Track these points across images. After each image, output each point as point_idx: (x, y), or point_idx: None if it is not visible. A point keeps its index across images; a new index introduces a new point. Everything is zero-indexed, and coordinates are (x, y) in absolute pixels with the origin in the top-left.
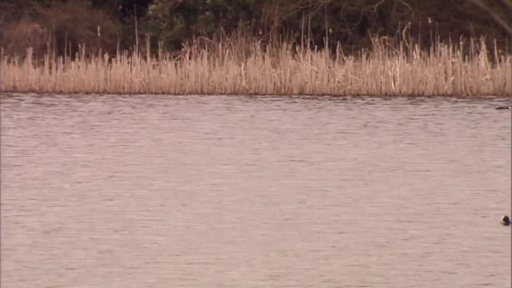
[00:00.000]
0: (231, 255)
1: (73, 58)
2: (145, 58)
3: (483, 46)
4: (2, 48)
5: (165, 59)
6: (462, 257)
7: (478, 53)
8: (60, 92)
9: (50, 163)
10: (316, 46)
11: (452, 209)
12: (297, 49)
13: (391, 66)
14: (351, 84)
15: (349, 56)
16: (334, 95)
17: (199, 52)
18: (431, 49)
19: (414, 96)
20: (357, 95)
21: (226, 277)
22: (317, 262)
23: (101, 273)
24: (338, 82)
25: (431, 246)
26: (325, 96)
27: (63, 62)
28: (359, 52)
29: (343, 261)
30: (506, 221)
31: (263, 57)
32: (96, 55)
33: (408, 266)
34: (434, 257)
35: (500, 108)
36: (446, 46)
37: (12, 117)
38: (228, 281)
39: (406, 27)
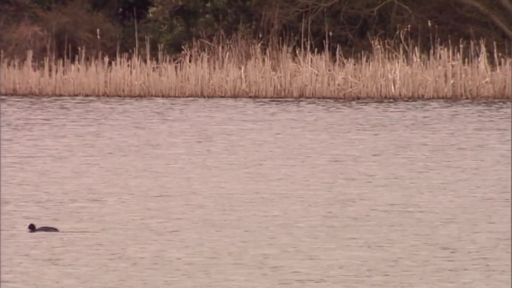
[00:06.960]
0: None
1: (73, 61)
2: (145, 61)
3: (483, 49)
4: (2, 51)
5: (165, 62)
6: None
7: (478, 56)
8: (60, 95)
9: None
10: (316, 49)
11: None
12: (297, 52)
13: (391, 69)
14: (351, 87)
15: (349, 59)
16: (334, 98)
17: (199, 55)
18: (431, 52)
19: (414, 99)
20: (357, 98)
21: None
22: None
23: None
24: (338, 85)
25: None
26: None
27: (63, 65)
28: (359, 55)
29: None
30: (31, 228)
31: (263, 60)
32: (96, 58)
33: None
34: None
35: None
36: (446, 49)
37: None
38: None
39: (406, 30)
